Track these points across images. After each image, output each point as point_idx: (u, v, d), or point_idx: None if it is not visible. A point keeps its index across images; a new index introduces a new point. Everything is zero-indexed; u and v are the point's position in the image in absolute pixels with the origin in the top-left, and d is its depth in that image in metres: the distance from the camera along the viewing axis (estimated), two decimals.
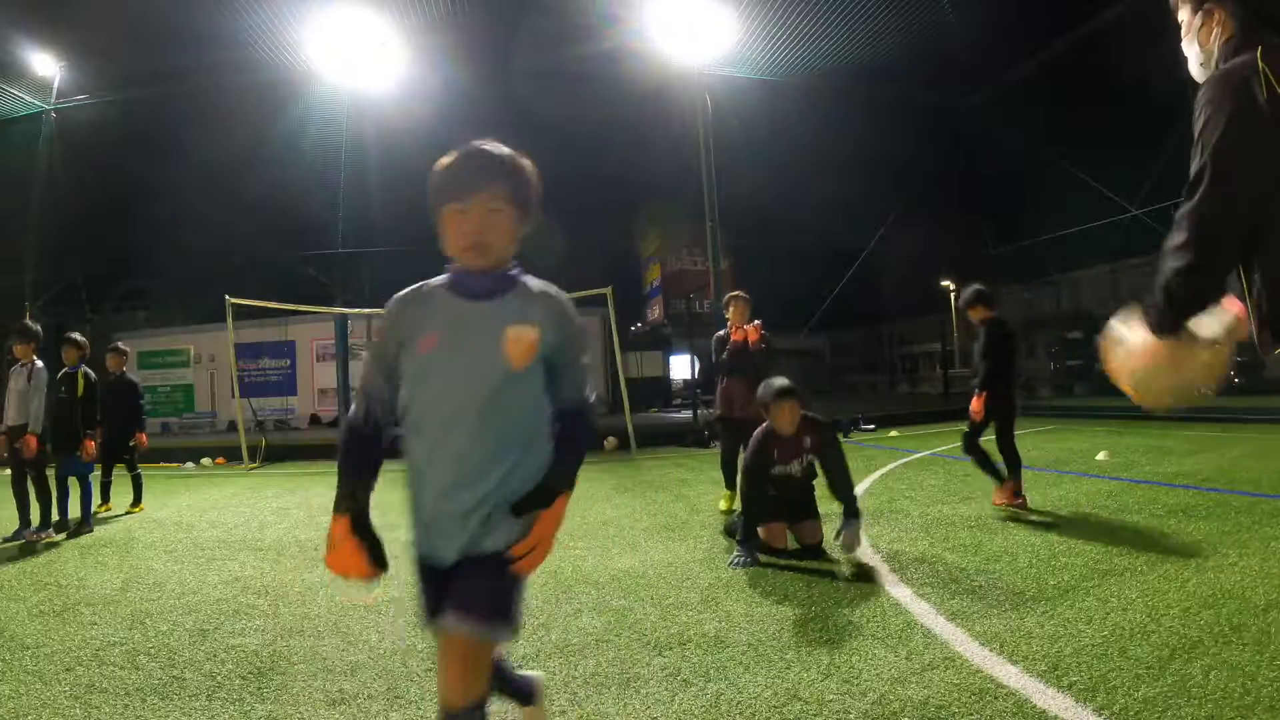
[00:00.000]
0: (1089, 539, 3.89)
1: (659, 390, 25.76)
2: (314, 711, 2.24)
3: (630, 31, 11.89)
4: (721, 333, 5.56)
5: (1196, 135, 1.37)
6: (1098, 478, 5.99)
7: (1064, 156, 13.73)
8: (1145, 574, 3.18)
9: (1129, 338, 1.47)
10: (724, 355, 5.37)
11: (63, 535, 5.28)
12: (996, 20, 11.83)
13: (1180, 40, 1.58)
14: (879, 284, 21.26)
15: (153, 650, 2.80)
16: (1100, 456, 7.16)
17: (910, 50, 12.55)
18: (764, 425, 3.93)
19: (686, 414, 17.70)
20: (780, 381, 3.88)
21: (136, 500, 6.54)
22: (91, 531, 5.44)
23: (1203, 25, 1.47)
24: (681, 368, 27.64)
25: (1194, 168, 1.37)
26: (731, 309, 5.48)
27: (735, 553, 3.86)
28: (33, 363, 5.22)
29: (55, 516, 5.42)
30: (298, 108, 13.23)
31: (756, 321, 5.38)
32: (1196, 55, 1.52)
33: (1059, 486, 5.66)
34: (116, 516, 6.18)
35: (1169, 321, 1.42)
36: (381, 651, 2.73)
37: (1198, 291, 1.38)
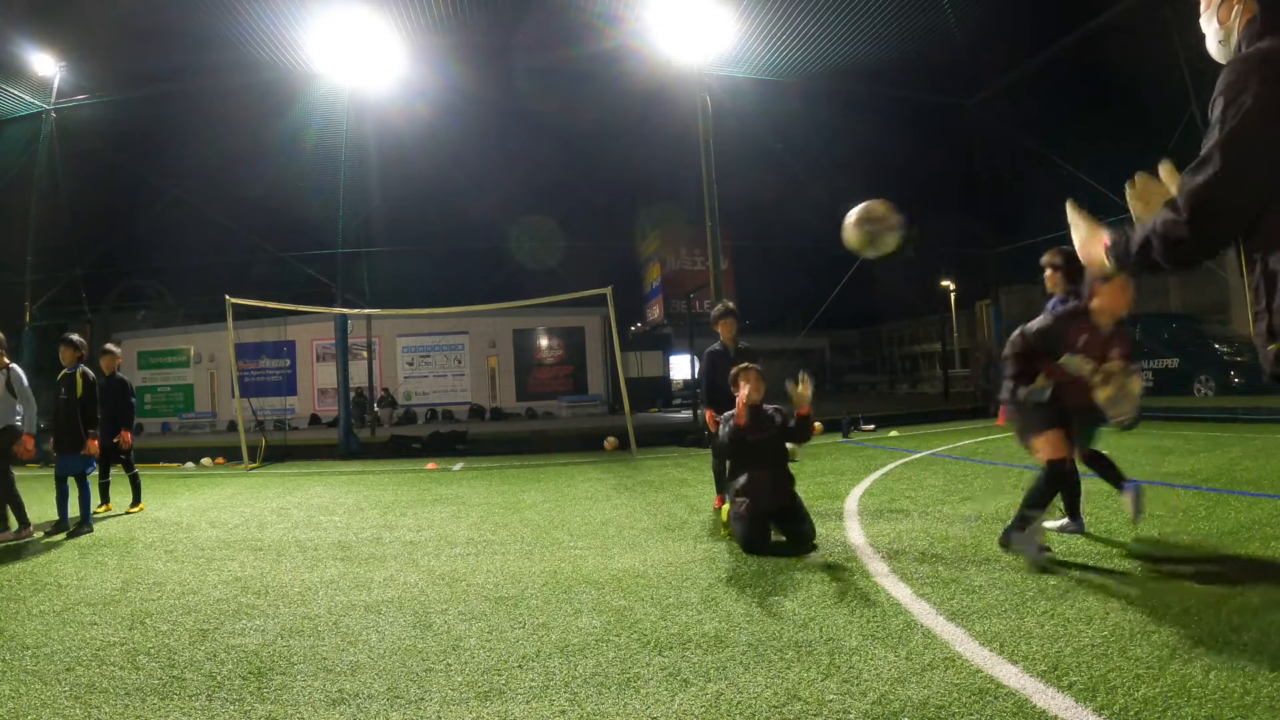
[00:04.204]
0: (1089, 539, 3.89)
1: (659, 390, 25.83)
2: (314, 711, 2.23)
3: (630, 31, 11.88)
4: (715, 347, 5.34)
5: (1216, 115, 1.32)
6: (1098, 478, 5.97)
7: (1064, 156, 13.73)
8: (1145, 574, 3.18)
9: (1085, 233, 1.69)
10: (714, 377, 5.09)
11: (62, 535, 5.28)
12: (997, 19, 11.83)
13: (1199, 17, 1.54)
14: (879, 284, 21.28)
15: (153, 650, 2.80)
16: None
17: (910, 50, 12.55)
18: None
19: (686, 414, 17.72)
20: None
21: (136, 500, 6.55)
22: (92, 531, 5.44)
23: (1223, 2, 1.45)
24: (681, 368, 27.70)
25: (1206, 145, 1.32)
26: (722, 326, 5.28)
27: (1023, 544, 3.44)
28: (9, 367, 5.26)
29: (55, 517, 5.44)
30: (298, 108, 13.23)
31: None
32: (1215, 32, 1.48)
33: None
34: (116, 516, 6.19)
35: (1133, 268, 1.54)
36: (381, 651, 2.73)
37: (1177, 262, 1.41)
